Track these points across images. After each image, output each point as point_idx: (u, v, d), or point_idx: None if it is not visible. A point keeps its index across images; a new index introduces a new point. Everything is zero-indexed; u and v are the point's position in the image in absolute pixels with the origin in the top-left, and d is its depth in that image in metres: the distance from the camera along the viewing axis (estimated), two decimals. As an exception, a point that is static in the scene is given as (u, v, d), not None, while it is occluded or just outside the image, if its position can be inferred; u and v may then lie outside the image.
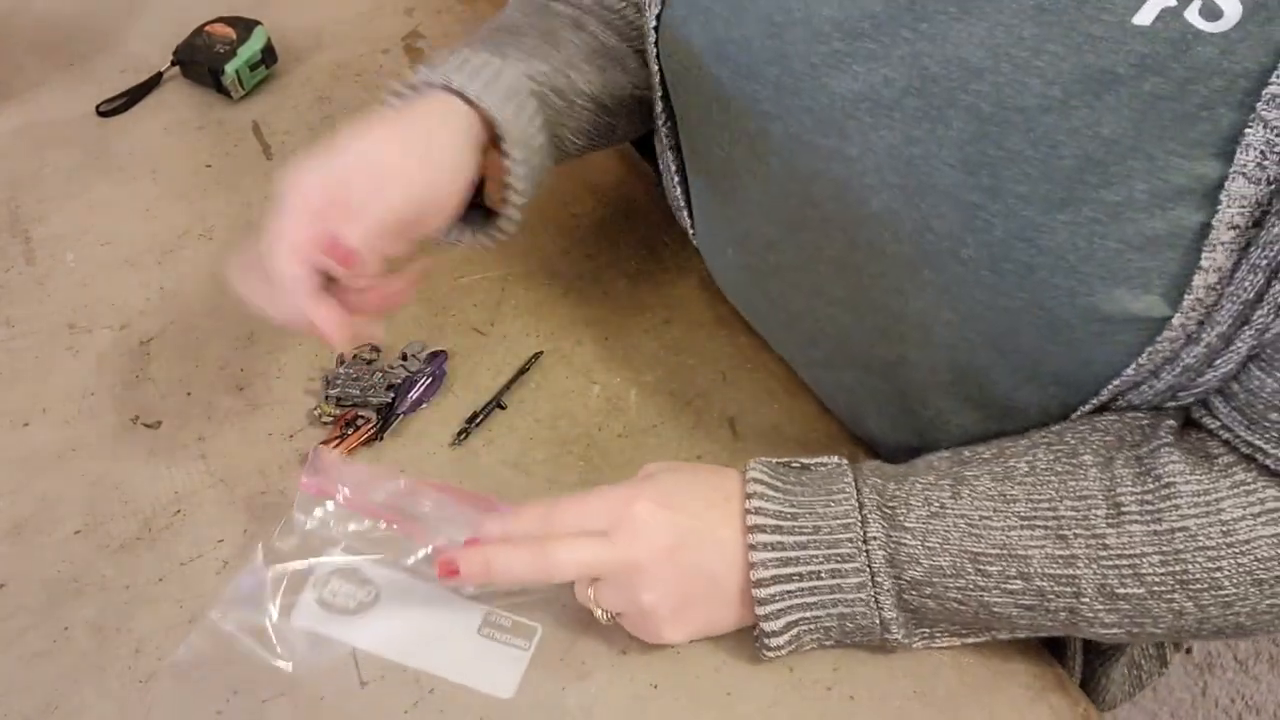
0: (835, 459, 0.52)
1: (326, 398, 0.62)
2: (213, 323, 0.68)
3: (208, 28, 0.85)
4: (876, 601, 0.49)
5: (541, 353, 0.67)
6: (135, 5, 0.93)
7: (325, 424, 0.62)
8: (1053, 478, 0.48)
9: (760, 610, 0.49)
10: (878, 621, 0.49)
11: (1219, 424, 0.47)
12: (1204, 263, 0.40)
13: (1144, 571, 0.45)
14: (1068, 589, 0.46)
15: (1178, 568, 0.45)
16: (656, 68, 0.57)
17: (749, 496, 0.50)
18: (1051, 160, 0.41)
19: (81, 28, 0.90)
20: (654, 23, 0.55)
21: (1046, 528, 0.47)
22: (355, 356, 0.64)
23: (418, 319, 0.69)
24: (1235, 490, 0.45)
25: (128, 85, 0.84)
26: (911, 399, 0.55)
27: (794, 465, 0.52)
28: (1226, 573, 0.44)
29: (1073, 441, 0.49)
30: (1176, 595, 0.45)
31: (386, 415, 0.62)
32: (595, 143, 0.65)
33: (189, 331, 0.67)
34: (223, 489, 0.59)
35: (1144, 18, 0.40)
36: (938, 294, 0.47)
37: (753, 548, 0.49)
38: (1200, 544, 0.44)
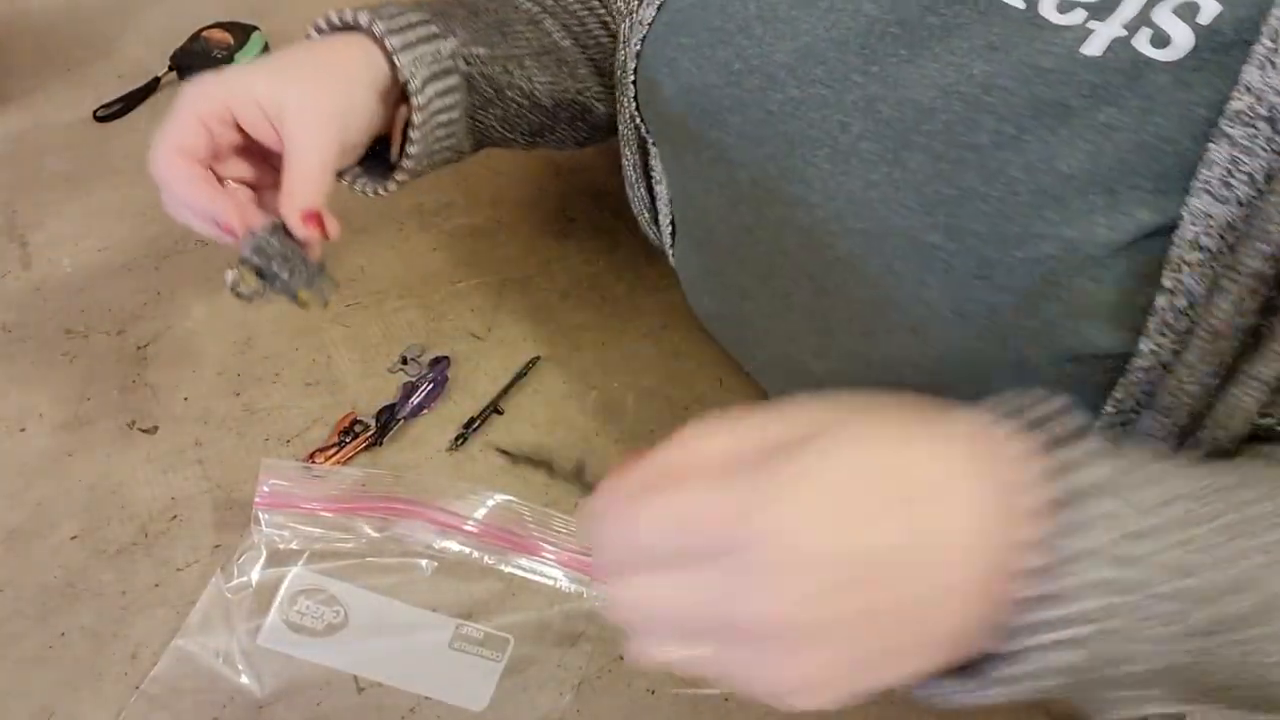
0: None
1: (244, 261, 0.51)
2: (210, 328, 0.67)
3: (205, 33, 0.85)
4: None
5: (539, 358, 0.67)
6: (133, 11, 0.93)
7: (240, 295, 0.53)
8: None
9: (1031, 640, 0.30)
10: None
11: None
12: (1168, 283, 0.38)
13: None
14: None
15: None
16: (635, 112, 0.57)
17: (1054, 444, 0.32)
18: (1007, 197, 0.40)
19: (79, 33, 0.90)
20: (633, 63, 0.55)
21: None
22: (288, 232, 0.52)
23: (414, 324, 0.69)
24: None
25: (125, 91, 0.84)
26: None
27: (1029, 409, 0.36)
28: None
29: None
30: None
31: (386, 422, 0.62)
32: (531, 140, 0.65)
33: (186, 337, 0.67)
34: (219, 494, 0.59)
35: (1094, 48, 0.39)
36: (906, 336, 0.46)
37: (1059, 535, 0.30)
38: None
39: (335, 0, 0.96)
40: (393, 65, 0.55)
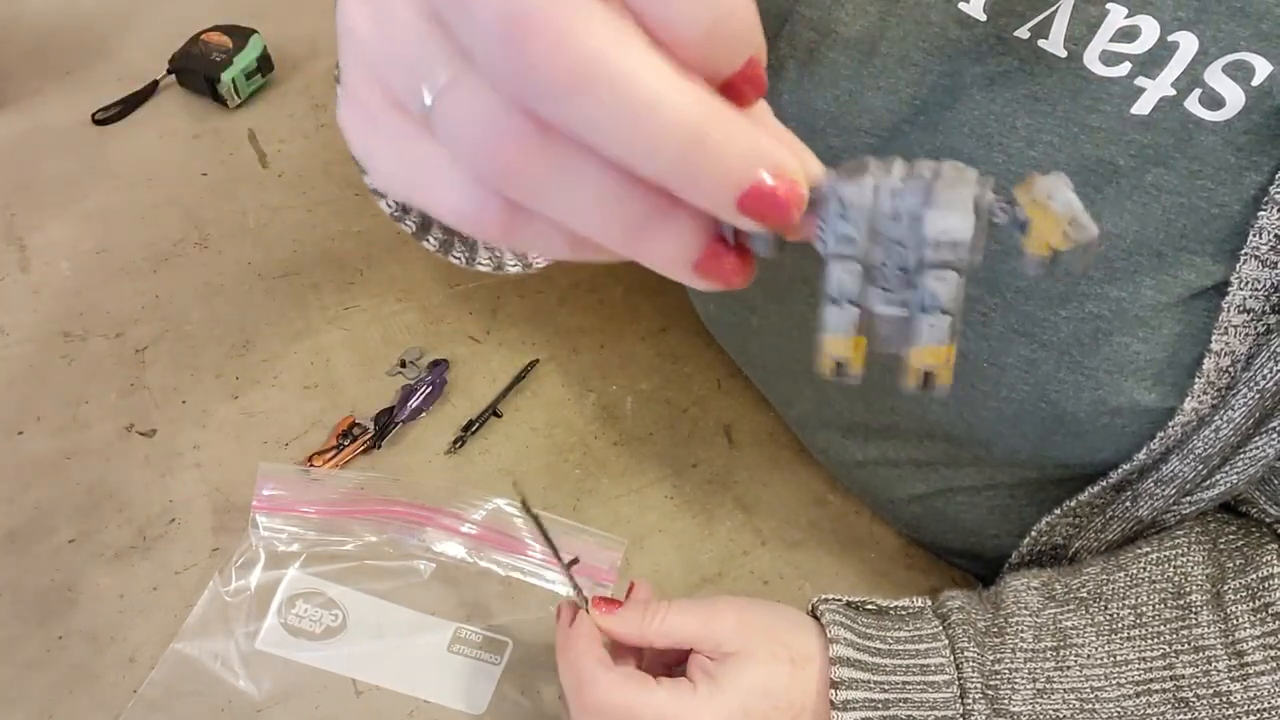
0: (917, 603, 0.47)
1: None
2: (208, 331, 0.67)
3: (204, 36, 0.85)
4: None
5: (537, 361, 0.67)
6: (132, 14, 0.93)
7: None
8: (1163, 628, 0.43)
9: None
10: None
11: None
12: (1215, 345, 0.39)
13: None
14: None
15: None
16: None
17: (835, 686, 0.44)
18: None
19: (78, 36, 0.90)
20: None
21: (1164, 691, 0.42)
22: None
23: (413, 327, 0.69)
24: None
25: (124, 94, 0.84)
26: (899, 460, 0.54)
27: (869, 607, 0.47)
28: None
29: (1176, 578, 0.44)
30: None
31: (385, 424, 0.62)
32: None
33: (184, 340, 0.67)
34: (218, 497, 0.59)
35: (1143, 107, 0.38)
36: None
37: None
38: None
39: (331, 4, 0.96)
40: None
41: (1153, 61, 0.38)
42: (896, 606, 0.47)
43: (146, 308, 0.69)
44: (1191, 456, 0.42)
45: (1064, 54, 0.40)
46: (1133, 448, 0.43)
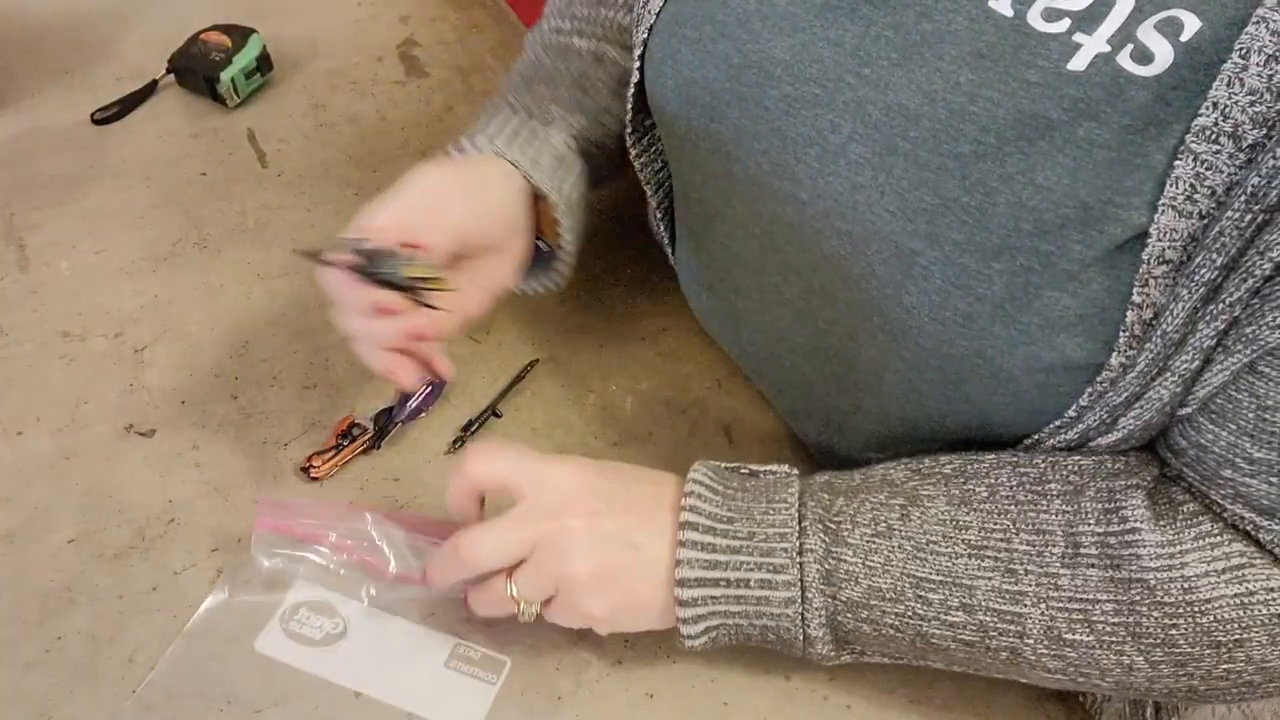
0: (786, 467, 0.50)
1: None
2: (207, 331, 0.67)
3: (203, 36, 0.85)
4: (804, 618, 0.46)
5: (537, 361, 0.67)
6: (131, 13, 0.93)
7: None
8: (1012, 506, 0.46)
9: (681, 612, 0.47)
10: (801, 637, 0.47)
11: (1176, 473, 0.45)
12: (1136, 298, 0.40)
13: (1095, 618, 0.43)
14: (1012, 627, 0.44)
15: (1131, 619, 0.43)
16: (638, 100, 0.57)
17: (686, 495, 0.48)
18: (987, 208, 0.41)
19: (77, 36, 0.90)
20: (638, 63, 0.55)
21: (996, 559, 0.44)
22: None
23: (413, 327, 0.68)
24: (1199, 544, 0.43)
25: (123, 93, 0.84)
26: (869, 451, 0.55)
27: (741, 470, 0.50)
28: (1183, 631, 0.42)
29: (1042, 466, 0.46)
30: (1127, 648, 0.43)
31: (384, 425, 0.62)
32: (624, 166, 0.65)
33: (183, 339, 0.67)
34: (217, 498, 0.58)
35: (1078, 63, 0.40)
36: (886, 340, 0.47)
37: (681, 544, 0.47)
38: (1158, 599, 0.42)
39: (335, 5, 0.96)
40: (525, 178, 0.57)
41: (1091, 18, 0.40)
42: (766, 469, 0.50)
43: (145, 308, 0.69)
44: (1100, 406, 0.43)
45: (1010, 14, 0.42)
46: (1065, 405, 0.44)
